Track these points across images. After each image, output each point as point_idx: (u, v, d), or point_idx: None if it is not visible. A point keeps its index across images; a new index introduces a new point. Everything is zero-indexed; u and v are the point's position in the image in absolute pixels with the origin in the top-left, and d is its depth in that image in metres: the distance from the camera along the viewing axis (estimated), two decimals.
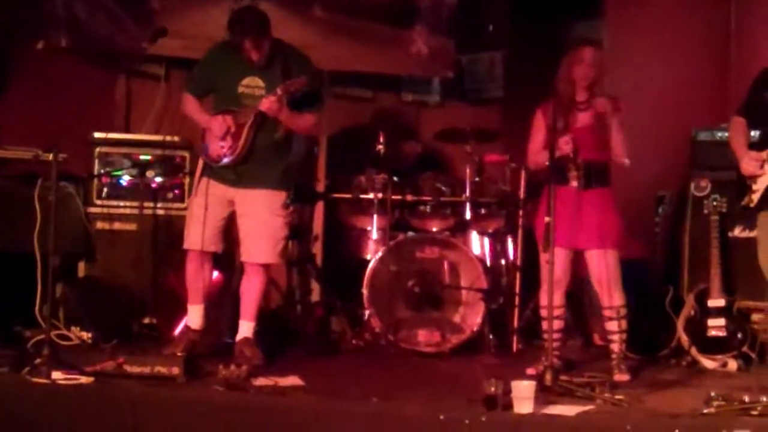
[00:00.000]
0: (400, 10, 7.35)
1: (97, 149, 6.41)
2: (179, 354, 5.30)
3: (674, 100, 6.87)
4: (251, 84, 5.50)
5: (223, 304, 5.94)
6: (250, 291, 5.59)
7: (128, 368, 4.91)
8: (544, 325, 5.32)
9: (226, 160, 5.47)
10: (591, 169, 5.39)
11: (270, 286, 6.15)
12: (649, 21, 7.10)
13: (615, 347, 5.45)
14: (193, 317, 5.62)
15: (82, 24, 6.83)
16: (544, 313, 5.38)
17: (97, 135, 6.43)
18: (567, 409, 4.48)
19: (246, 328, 5.58)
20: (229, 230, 5.62)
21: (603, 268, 5.39)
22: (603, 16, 7.32)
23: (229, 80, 5.51)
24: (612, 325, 5.45)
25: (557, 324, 5.42)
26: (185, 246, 5.57)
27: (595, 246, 5.40)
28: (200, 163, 5.64)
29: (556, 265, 5.22)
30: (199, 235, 5.49)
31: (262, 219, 5.51)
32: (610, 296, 5.42)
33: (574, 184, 5.38)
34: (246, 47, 5.39)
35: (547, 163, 5.28)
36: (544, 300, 5.37)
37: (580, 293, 5.82)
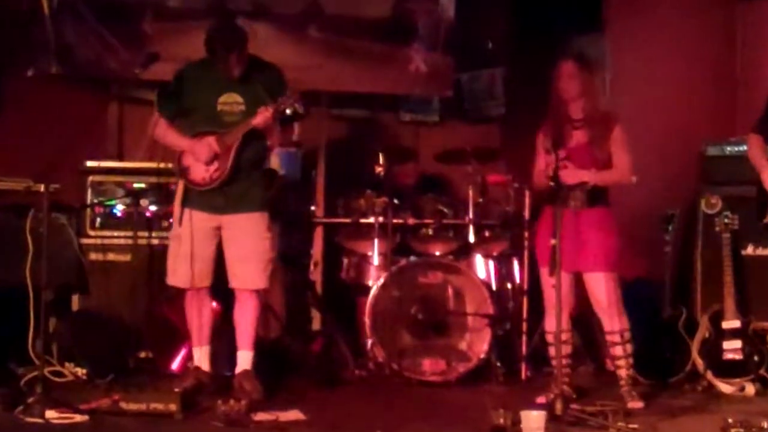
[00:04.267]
0: (398, 29, 7.26)
1: (90, 178, 6.32)
2: (178, 390, 5.15)
3: (680, 114, 6.83)
4: (229, 101, 5.40)
5: (220, 336, 5.79)
6: (245, 318, 5.46)
7: (124, 405, 4.87)
8: (551, 351, 5.25)
9: (213, 184, 5.35)
10: (587, 188, 5.29)
11: (268, 315, 6.02)
12: (652, 34, 7.04)
13: (622, 373, 5.37)
14: (201, 360, 5.49)
15: (72, 50, 6.77)
16: (550, 338, 5.32)
17: (89, 164, 6.35)
18: None
19: (245, 359, 5.45)
20: (221, 259, 5.49)
21: (601, 291, 5.32)
22: (603, 31, 7.24)
23: (207, 99, 5.41)
24: (617, 350, 5.37)
25: (565, 349, 5.34)
26: (172, 282, 5.47)
27: (593, 268, 5.33)
28: (179, 189, 5.50)
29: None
30: (188, 272, 5.39)
31: (250, 243, 5.40)
32: (612, 320, 5.35)
33: (571, 204, 5.29)
34: (231, 63, 5.31)
35: (551, 185, 5.19)
36: (548, 325, 5.34)
37: (589, 317, 5.69)
